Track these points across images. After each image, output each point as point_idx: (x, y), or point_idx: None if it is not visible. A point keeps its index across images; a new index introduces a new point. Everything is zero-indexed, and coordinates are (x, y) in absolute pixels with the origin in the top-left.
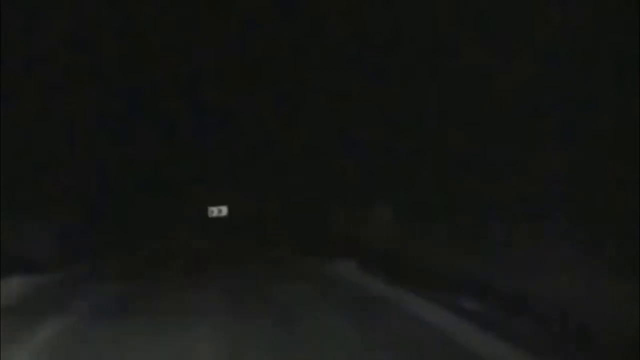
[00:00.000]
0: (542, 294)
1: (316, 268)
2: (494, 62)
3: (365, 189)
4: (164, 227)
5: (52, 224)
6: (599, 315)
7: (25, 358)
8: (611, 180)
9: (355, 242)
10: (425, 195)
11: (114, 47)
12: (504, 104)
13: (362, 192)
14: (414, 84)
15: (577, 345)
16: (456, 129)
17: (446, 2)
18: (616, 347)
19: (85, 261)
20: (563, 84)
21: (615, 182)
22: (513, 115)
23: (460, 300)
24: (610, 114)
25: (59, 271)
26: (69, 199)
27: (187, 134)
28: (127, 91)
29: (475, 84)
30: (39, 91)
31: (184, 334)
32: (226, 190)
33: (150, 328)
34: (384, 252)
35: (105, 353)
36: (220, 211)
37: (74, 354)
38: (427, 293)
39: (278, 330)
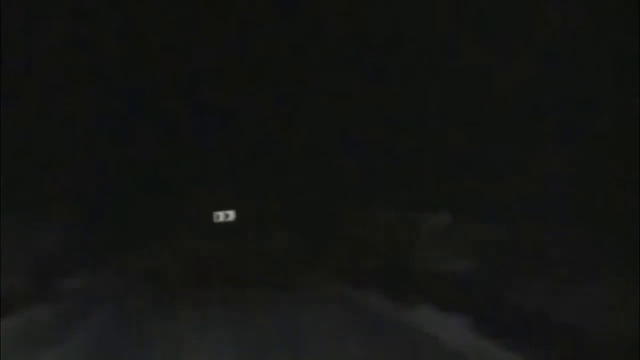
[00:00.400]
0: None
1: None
2: (494, 62)
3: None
4: (163, 231)
5: (51, 227)
6: (599, 315)
7: None
8: (611, 180)
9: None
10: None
11: (114, 47)
12: (504, 104)
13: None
14: (414, 84)
15: (577, 345)
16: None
17: (446, 2)
18: (616, 347)
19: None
20: (563, 84)
21: (615, 182)
22: (513, 115)
23: None
24: (610, 114)
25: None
26: (68, 199)
27: (187, 134)
28: (127, 91)
29: (475, 84)
30: (39, 91)
31: None
32: (226, 190)
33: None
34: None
35: None
36: (227, 216)
37: None
38: None
39: None
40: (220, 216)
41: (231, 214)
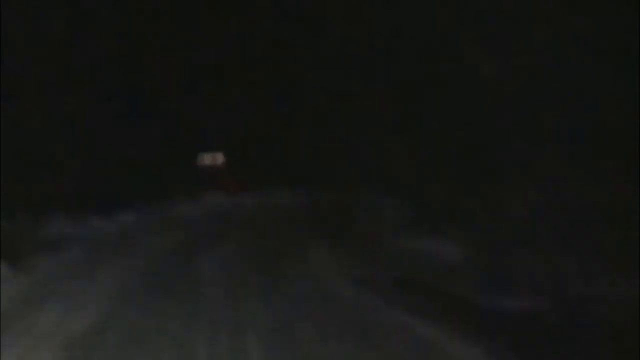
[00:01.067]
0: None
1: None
2: (494, 62)
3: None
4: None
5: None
6: (599, 315)
7: None
8: (611, 180)
9: None
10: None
11: (115, 47)
12: (504, 103)
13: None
14: (415, 84)
15: (577, 345)
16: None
17: (446, 2)
18: (616, 346)
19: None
20: (563, 84)
21: (615, 181)
22: (513, 115)
23: None
24: (610, 114)
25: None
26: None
27: (187, 134)
28: (127, 91)
29: (475, 84)
30: (39, 91)
31: None
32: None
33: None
34: None
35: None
36: (214, 159)
37: None
38: None
39: None
40: (207, 159)
41: (219, 157)
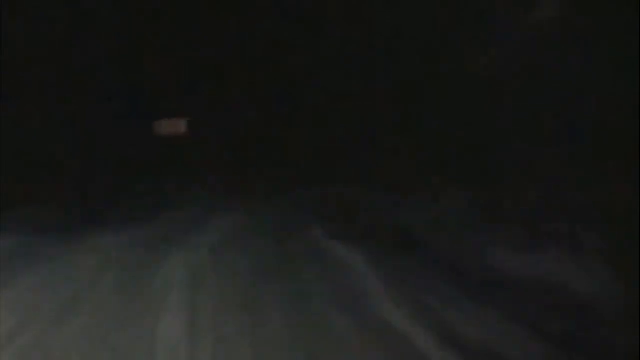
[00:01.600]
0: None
1: None
2: (494, 62)
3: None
4: None
5: None
6: (599, 317)
7: None
8: (611, 180)
9: None
10: None
11: (115, 47)
12: (504, 103)
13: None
14: (415, 84)
15: (577, 346)
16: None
17: (446, 2)
18: (616, 347)
19: None
20: (563, 84)
21: (615, 181)
22: (513, 115)
23: None
24: (610, 114)
25: None
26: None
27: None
28: (127, 91)
29: (475, 84)
30: (39, 91)
31: None
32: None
33: None
34: None
35: None
36: (175, 126)
37: None
38: None
39: None
40: (167, 127)
41: (182, 124)
